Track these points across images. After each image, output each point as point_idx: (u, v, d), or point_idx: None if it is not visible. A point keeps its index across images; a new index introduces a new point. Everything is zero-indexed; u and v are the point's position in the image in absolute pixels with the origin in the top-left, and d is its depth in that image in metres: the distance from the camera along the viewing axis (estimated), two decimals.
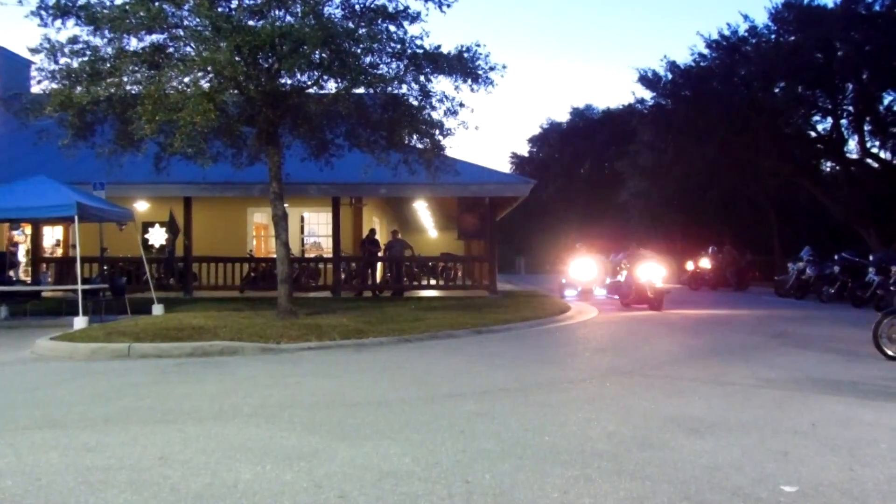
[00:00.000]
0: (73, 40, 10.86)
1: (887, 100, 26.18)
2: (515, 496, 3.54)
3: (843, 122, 27.79)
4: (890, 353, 8.00)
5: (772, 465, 4.04)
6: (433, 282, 20.99)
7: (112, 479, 3.81)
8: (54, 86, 11.01)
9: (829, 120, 27.97)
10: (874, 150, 28.19)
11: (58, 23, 10.85)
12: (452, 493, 3.58)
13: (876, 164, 28.28)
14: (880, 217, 26.00)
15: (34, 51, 11.05)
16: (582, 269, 19.82)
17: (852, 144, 28.63)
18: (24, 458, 4.24)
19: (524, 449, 4.36)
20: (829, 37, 24.30)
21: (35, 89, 14.07)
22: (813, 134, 28.77)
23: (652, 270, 15.27)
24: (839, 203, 27.39)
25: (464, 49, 11.84)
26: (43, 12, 10.76)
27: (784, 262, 23.35)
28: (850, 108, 26.99)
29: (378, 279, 20.23)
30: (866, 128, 27.21)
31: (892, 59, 23.28)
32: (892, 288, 14.79)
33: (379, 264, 20.35)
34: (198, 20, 10.55)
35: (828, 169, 31.22)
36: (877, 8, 24.17)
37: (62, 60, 10.99)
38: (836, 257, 18.21)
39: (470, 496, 3.53)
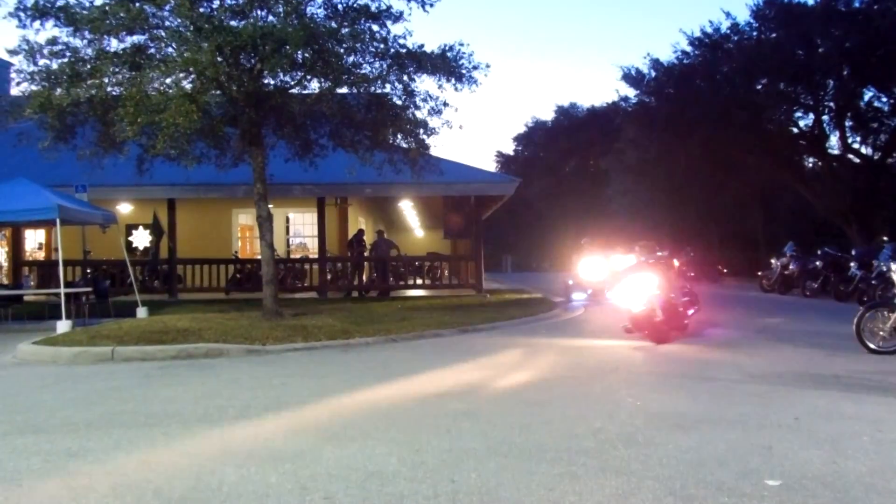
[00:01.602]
0: (53, 41, 10.72)
1: (867, 96, 26.52)
2: (501, 494, 3.53)
3: (825, 118, 28.09)
4: (872, 346, 8.08)
5: (756, 460, 4.06)
6: (419, 281, 20.98)
7: (94, 485, 3.77)
8: (34, 87, 10.86)
9: (811, 116, 28.30)
10: (855, 146, 28.56)
11: (36, 24, 10.71)
12: (438, 492, 3.57)
13: (857, 160, 28.60)
14: (862, 212, 26.29)
15: (12, 52, 10.90)
16: (592, 269, 17.05)
17: (834, 140, 29.00)
18: (5, 464, 4.19)
19: (510, 447, 4.36)
20: (810, 34, 24.55)
21: (14, 91, 13.92)
22: (795, 130, 29.06)
23: (638, 287, 9.49)
24: (822, 198, 27.66)
25: (447, 48, 11.82)
26: (21, 13, 10.61)
27: (769, 257, 23.55)
28: (832, 104, 27.28)
29: (364, 279, 20.21)
30: (847, 123, 27.52)
31: (871, 56, 23.54)
32: (873, 282, 14.96)
33: (365, 264, 20.31)
34: (179, 20, 10.46)
35: (810, 165, 31.54)
36: (856, 5, 24.46)
37: (41, 62, 10.85)
38: (819, 252, 18.42)
39: (455, 495, 3.53)
